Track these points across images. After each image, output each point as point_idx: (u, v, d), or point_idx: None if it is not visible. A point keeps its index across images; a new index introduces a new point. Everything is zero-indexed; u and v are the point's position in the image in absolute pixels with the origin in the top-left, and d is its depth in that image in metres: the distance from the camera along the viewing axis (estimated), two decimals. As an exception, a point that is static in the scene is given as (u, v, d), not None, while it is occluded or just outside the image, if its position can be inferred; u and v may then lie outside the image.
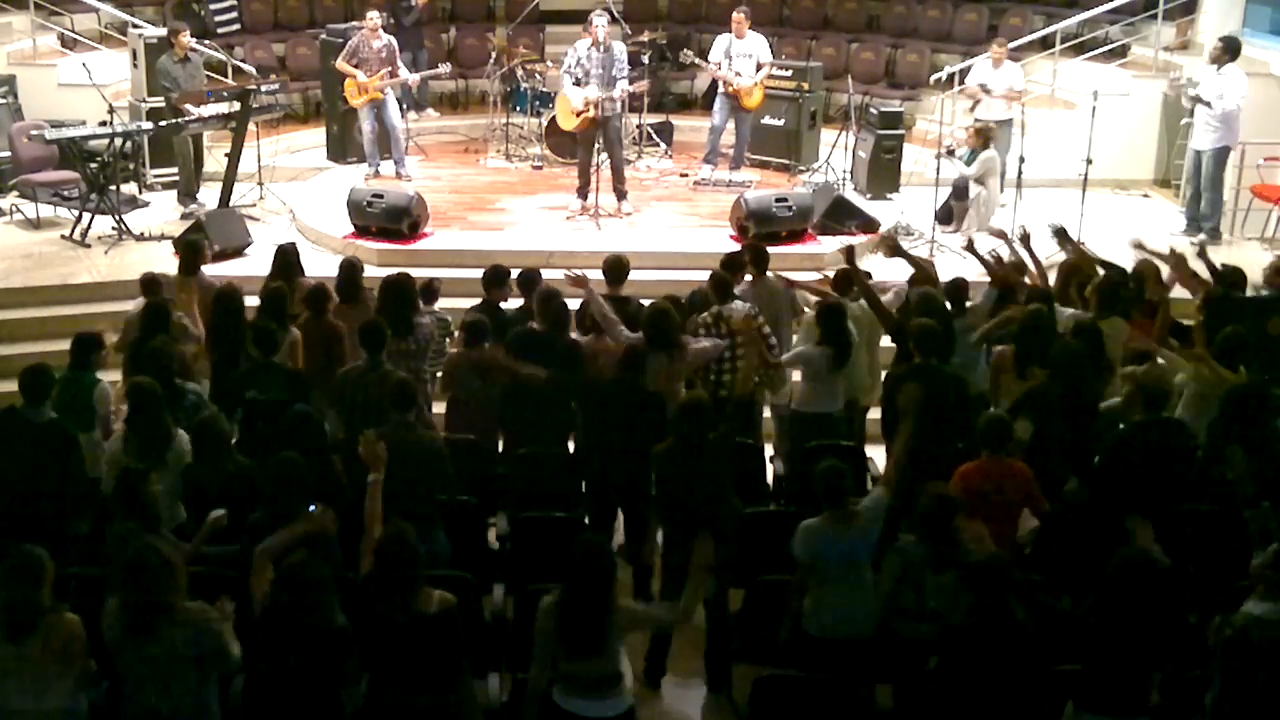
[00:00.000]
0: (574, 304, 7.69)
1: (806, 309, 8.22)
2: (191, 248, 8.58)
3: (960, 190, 11.37)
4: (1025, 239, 8.66)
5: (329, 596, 4.75)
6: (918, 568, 5.42)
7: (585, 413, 7.24)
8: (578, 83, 11.21)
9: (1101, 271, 8.25)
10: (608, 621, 4.83)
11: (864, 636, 5.54)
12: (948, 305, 7.75)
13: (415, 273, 8.90)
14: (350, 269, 8.26)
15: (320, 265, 9.67)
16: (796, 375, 7.84)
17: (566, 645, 4.83)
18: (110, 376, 7.37)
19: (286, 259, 8.48)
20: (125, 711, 4.73)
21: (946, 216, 11.43)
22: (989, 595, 4.86)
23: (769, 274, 8.28)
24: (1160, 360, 7.17)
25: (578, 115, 11.20)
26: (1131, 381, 6.60)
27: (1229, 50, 11.25)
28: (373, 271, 8.97)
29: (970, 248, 8.67)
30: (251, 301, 8.06)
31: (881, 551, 5.63)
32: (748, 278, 8.12)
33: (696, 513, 5.99)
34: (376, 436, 5.78)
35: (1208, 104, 11.15)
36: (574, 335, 7.55)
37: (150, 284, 8.09)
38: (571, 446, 7.45)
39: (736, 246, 10.32)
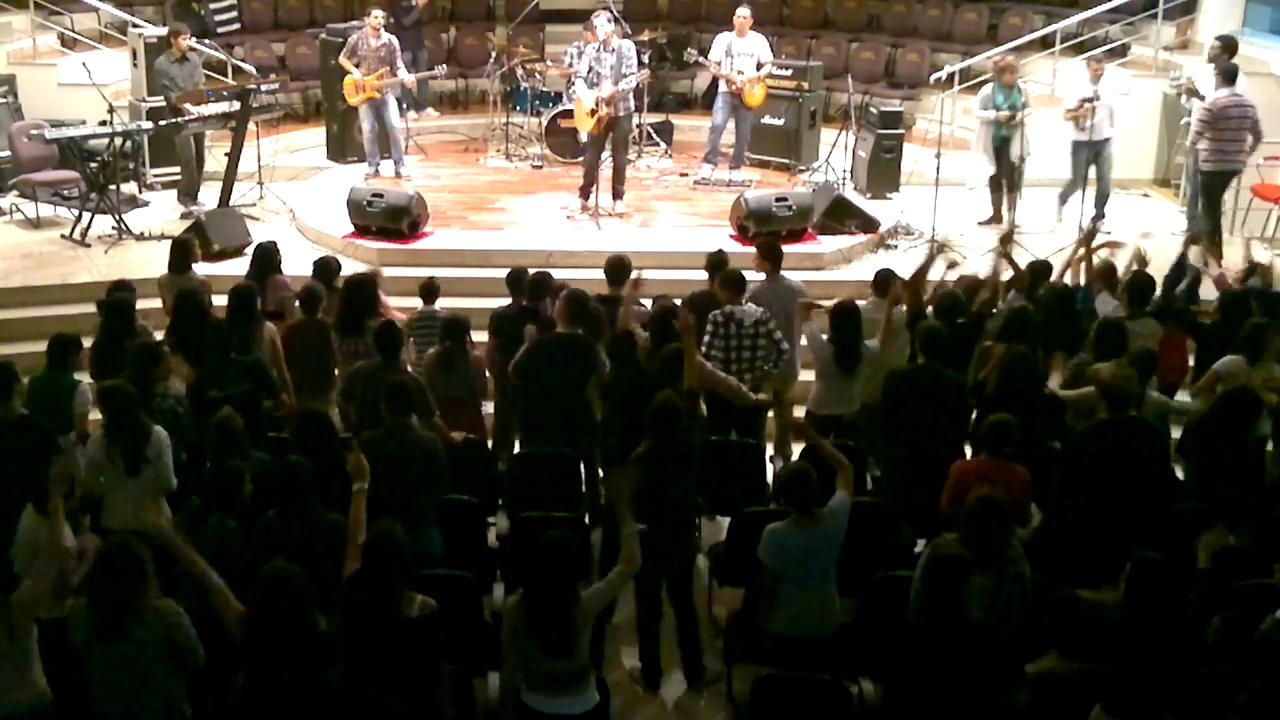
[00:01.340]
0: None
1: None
2: (181, 247, 8.61)
3: (999, 172, 11.37)
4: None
5: (307, 600, 4.69)
6: None
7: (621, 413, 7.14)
8: (590, 85, 11.21)
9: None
10: (572, 618, 4.83)
11: (826, 636, 5.62)
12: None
13: (415, 273, 8.94)
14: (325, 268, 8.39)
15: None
16: (810, 375, 7.86)
17: (539, 644, 4.83)
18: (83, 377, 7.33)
19: (265, 257, 8.50)
20: (93, 713, 4.68)
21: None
22: (942, 590, 4.86)
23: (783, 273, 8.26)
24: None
25: (592, 115, 11.19)
26: (1096, 381, 6.61)
27: (1227, 49, 11.25)
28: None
29: (1006, 242, 8.61)
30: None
31: (846, 551, 5.68)
32: (762, 275, 8.11)
33: (669, 514, 6.01)
34: (371, 438, 5.77)
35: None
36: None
37: (116, 285, 8.09)
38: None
39: (738, 246, 10.38)
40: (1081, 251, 8.63)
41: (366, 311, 7.65)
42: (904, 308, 7.71)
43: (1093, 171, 11.75)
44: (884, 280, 8.03)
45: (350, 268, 8.92)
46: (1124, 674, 4.75)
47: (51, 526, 5.04)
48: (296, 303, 7.99)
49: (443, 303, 8.49)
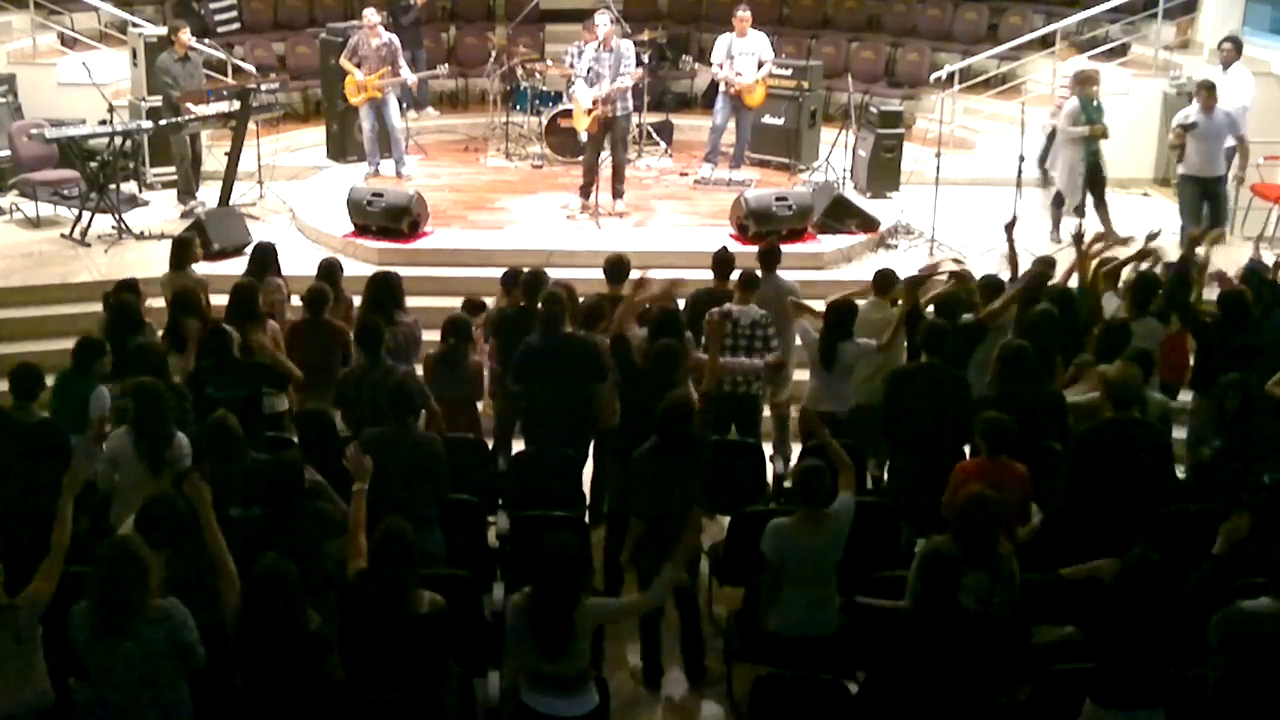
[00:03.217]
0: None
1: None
2: (180, 245, 8.61)
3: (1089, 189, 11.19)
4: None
5: (300, 597, 4.69)
6: None
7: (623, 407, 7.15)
8: (590, 84, 11.21)
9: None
10: (572, 622, 4.84)
11: (826, 635, 5.62)
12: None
13: (417, 272, 8.94)
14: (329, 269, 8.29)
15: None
16: (804, 375, 7.86)
17: (536, 644, 4.84)
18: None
19: (262, 257, 8.50)
20: (96, 714, 4.69)
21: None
22: (936, 584, 4.89)
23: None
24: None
25: (589, 114, 11.20)
26: (1101, 380, 6.61)
27: (1237, 49, 11.29)
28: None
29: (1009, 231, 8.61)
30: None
31: (847, 551, 5.69)
32: (757, 273, 8.12)
33: (672, 512, 6.01)
34: (372, 437, 5.75)
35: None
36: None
37: (122, 285, 8.05)
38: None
39: (738, 246, 10.36)
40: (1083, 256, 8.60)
41: (394, 305, 7.61)
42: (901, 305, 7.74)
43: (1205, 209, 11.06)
44: (884, 279, 8.04)
45: (355, 268, 8.90)
46: (1110, 667, 4.77)
47: (57, 527, 5.03)
48: (290, 303, 7.97)
49: (442, 303, 8.49)
